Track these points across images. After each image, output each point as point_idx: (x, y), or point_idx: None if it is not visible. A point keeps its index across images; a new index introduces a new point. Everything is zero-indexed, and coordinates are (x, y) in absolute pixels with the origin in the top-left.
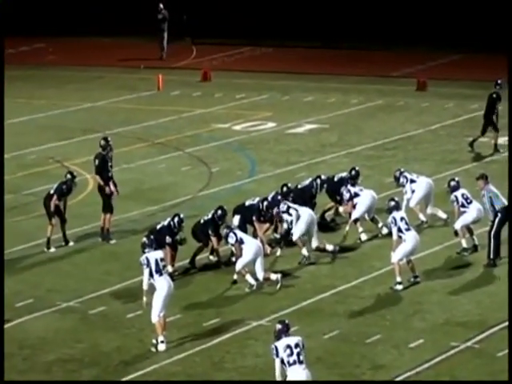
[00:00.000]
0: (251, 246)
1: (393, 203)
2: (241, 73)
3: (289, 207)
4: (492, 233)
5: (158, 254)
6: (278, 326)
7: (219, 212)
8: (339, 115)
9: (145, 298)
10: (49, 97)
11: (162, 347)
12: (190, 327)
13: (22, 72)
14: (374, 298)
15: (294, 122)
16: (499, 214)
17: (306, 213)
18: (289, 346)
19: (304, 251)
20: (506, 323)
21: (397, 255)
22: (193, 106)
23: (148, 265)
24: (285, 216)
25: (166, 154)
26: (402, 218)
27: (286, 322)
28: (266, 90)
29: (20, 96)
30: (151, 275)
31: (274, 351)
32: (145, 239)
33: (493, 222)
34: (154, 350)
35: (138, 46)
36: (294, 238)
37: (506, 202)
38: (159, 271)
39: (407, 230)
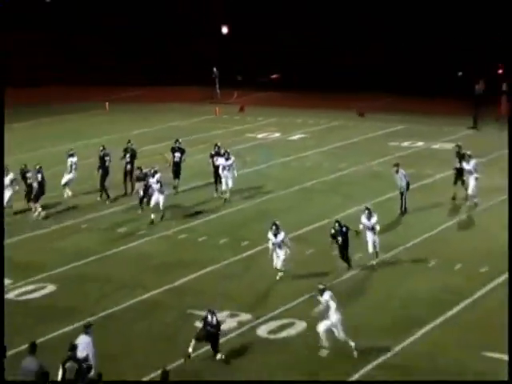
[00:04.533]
0: None
1: None
2: (261, 107)
3: None
4: None
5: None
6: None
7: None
8: (315, 130)
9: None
10: (147, 119)
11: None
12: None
13: (128, 108)
14: None
15: (291, 133)
16: None
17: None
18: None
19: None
20: None
21: None
22: (234, 124)
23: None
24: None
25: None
26: None
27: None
28: (275, 115)
29: (126, 120)
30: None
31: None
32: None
33: None
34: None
35: (207, 91)
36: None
37: None
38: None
39: None
